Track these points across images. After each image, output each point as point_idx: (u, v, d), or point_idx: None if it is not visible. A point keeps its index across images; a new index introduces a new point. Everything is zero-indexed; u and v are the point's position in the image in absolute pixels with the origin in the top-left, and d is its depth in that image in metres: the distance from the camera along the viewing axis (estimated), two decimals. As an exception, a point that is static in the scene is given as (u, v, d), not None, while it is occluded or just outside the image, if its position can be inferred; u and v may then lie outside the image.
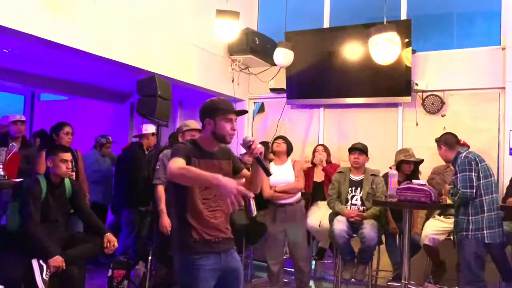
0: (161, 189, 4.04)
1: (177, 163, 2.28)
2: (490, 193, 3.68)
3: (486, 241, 3.61)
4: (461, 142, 4.21)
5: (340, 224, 4.34)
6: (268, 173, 2.46)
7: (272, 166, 4.54)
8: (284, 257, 4.74)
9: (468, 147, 4.35)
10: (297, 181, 4.50)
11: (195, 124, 4.17)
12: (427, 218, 4.61)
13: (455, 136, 4.01)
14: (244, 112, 2.69)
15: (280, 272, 4.55)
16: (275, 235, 4.48)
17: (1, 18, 3.17)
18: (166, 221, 3.96)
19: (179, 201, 2.45)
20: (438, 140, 4.05)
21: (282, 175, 4.50)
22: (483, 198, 3.65)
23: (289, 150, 4.68)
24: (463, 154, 3.76)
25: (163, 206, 4.00)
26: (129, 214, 4.98)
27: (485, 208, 3.64)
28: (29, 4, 3.36)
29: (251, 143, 2.38)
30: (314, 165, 5.11)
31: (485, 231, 3.61)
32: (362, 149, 4.54)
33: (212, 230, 2.43)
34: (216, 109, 2.46)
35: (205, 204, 2.43)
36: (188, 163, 2.32)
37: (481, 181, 3.66)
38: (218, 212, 2.48)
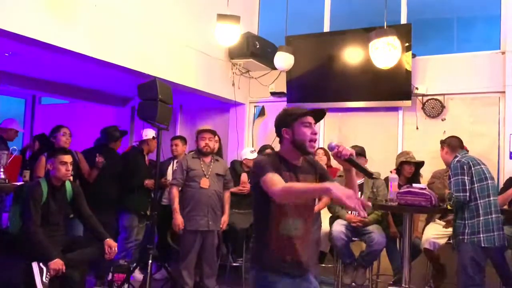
0: (175, 190, 4.26)
1: (276, 181, 2.07)
2: (486, 197, 3.66)
3: (483, 245, 3.59)
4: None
5: (339, 227, 4.35)
6: (370, 175, 2.24)
7: None
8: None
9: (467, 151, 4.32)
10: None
11: (206, 126, 4.40)
12: (427, 222, 4.61)
13: (459, 140, 4.00)
14: (322, 113, 2.38)
15: None
16: None
17: (2, 21, 3.18)
18: (179, 220, 4.18)
19: (268, 210, 2.21)
20: (442, 142, 4.06)
21: None
22: (479, 201, 3.63)
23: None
24: (457, 159, 3.76)
25: (176, 206, 4.21)
26: (128, 218, 4.97)
27: (481, 211, 3.62)
28: (30, 8, 3.37)
29: (337, 147, 2.18)
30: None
31: (481, 235, 3.59)
32: (360, 152, 4.53)
33: (294, 250, 2.23)
34: (290, 115, 2.29)
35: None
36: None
37: (476, 185, 3.64)
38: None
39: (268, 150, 5.15)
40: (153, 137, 5.09)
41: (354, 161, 2.19)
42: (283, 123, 2.30)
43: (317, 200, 4.36)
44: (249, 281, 2.34)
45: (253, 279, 2.29)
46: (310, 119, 2.28)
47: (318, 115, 2.34)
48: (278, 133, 2.33)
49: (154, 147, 5.16)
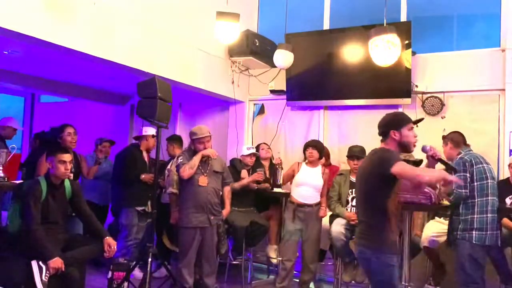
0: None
1: (414, 168, 2.68)
2: (485, 195, 3.66)
3: (474, 242, 3.59)
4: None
5: (338, 227, 4.36)
6: (454, 170, 3.02)
7: (303, 167, 4.71)
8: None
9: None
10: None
11: (202, 127, 4.37)
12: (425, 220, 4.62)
13: (462, 136, 4.02)
14: (420, 120, 3.19)
15: (291, 270, 4.59)
16: (291, 233, 4.58)
17: (1, 20, 3.17)
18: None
19: (387, 199, 2.64)
20: (445, 137, 4.07)
21: (310, 177, 4.65)
22: (476, 199, 3.65)
23: (321, 155, 4.73)
24: (460, 155, 3.78)
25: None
26: (127, 215, 4.95)
27: (477, 209, 3.63)
28: (29, 6, 3.36)
29: (431, 150, 2.93)
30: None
31: (473, 232, 3.60)
32: (359, 155, 4.52)
33: (396, 232, 2.73)
34: (401, 120, 2.79)
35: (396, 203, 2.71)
36: None
37: (475, 183, 3.66)
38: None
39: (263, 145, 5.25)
40: (153, 135, 5.07)
41: (441, 159, 3.00)
42: (393, 126, 2.76)
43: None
44: (372, 266, 2.69)
45: (379, 263, 2.65)
46: (412, 124, 2.81)
47: (417, 121, 3.07)
48: (385, 132, 2.79)
49: (153, 144, 5.14)
